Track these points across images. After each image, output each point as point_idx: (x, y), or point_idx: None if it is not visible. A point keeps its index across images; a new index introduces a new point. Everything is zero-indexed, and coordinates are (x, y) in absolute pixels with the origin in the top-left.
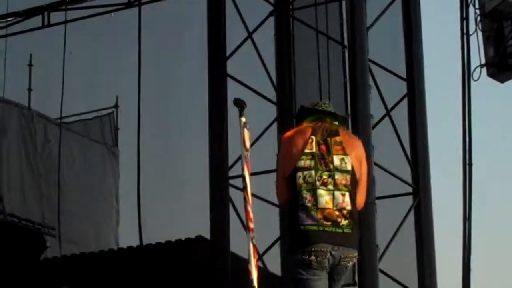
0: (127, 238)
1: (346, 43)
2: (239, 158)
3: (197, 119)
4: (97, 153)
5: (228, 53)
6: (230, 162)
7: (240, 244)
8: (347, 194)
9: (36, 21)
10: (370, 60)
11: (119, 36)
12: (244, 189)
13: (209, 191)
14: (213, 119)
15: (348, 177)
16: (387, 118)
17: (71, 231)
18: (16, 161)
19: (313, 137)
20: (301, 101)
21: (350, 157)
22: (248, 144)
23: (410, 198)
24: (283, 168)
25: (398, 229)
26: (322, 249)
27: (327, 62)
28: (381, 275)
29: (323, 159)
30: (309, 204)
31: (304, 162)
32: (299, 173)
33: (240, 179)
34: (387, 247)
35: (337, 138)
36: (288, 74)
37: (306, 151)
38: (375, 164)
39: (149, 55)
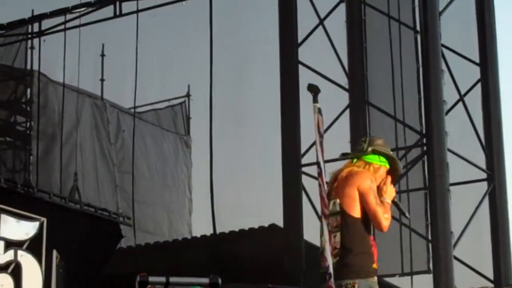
0: (201, 226)
1: (418, 28)
2: (312, 146)
3: (269, 107)
4: (169, 142)
5: (299, 40)
6: (303, 150)
7: (314, 232)
8: (338, 234)
9: (108, 11)
10: (443, 45)
11: (191, 25)
12: (319, 175)
13: (282, 179)
14: (286, 107)
15: (339, 218)
16: (460, 103)
17: (145, 220)
18: (90, 151)
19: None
20: (373, 87)
21: (340, 199)
22: (322, 130)
23: (484, 184)
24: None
25: (472, 216)
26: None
27: (399, 48)
28: (455, 262)
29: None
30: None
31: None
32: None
33: (313, 167)
34: (461, 234)
35: (336, 183)
36: (360, 61)
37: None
38: (449, 150)
39: (220, 43)
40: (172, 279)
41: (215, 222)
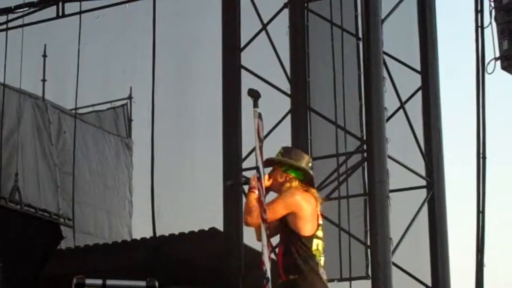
0: (141, 229)
1: (360, 35)
2: (252, 150)
3: (211, 111)
4: (111, 144)
5: (242, 44)
6: (244, 154)
7: (253, 236)
8: None
9: (51, 11)
10: (385, 53)
11: (134, 27)
12: (258, 180)
13: (222, 183)
14: (227, 111)
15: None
16: (401, 110)
17: (85, 222)
18: (31, 151)
19: (318, 209)
20: (315, 93)
21: None
22: (262, 134)
23: (424, 192)
24: (300, 226)
25: (411, 222)
26: None
27: (341, 55)
28: (394, 268)
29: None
30: (321, 267)
31: (319, 232)
32: (316, 240)
33: (253, 171)
34: (400, 240)
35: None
36: (302, 66)
37: (320, 222)
38: (389, 157)
39: (163, 46)
40: (109, 282)
41: (155, 225)
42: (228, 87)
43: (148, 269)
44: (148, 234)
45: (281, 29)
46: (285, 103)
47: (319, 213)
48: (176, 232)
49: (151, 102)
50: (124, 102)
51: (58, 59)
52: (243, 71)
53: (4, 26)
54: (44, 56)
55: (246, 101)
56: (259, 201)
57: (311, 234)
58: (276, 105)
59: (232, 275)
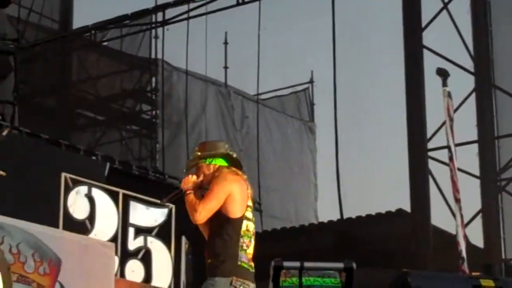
0: (327, 212)
1: None
2: (438, 130)
3: (394, 91)
4: (293, 128)
5: (423, 24)
6: (429, 134)
7: (441, 217)
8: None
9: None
10: None
11: (313, 10)
12: (450, 159)
13: (408, 164)
14: (411, 91)
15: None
16: None
17: (271, 206)
18: (216, 137)
19: (248, 192)
20: (500, 70)
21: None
22: (452, 113)
23: None
24: (230, 209)
25: None
26: (249, 284)
27: None
28: None
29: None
30: (246, 248)
31: (248, 213)
32: (246, 222)
33: (438, 151)
34: None
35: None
36: (485, 44)
37: (249, 203)
38: None
39: (343, 30)
40: (307, 264)
41: (342, 207)
42: (410, 67)
43: (336, 251)
44: (334, 217)
45: (462, 7)
46: (469, 82)
47: (249, 195)
48: (363, 214)
49: (333, 85)
50: (305, 86)
51: (239, 45)
52: (425, 51)
53: (185, 16)
54: (225, 43)
55: (429, 81)
56: (452, 180)
57: (240, 216)
58: (460, 84)
59: (420, 256)
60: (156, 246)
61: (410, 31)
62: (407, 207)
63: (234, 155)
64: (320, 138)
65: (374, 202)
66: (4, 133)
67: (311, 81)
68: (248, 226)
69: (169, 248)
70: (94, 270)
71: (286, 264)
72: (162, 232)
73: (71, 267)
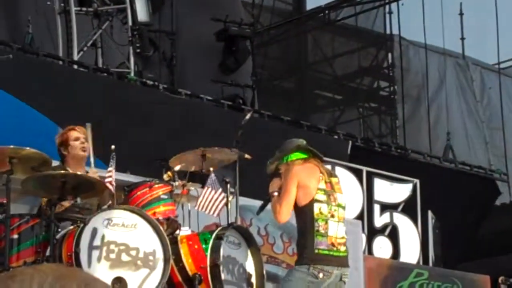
0: None
1: None
2: None
3: None
4: None
5: None
6: None
7: None
8: (344, 226)
9: None
10: None
11: None
12: None
13: None
14: None
15: (344, 212)
16: None
17: None
18: (457, 110)
19: (322, 176)
20: None
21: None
22: None
23: None
24: (299, 197)
25: None
26: (329, 270)
27: None
28: None
29: (332, 195)
30: (323, 231)
31: (320, 195)
32: (317, 204)
33: None
34: None
35: (336, 179)
36: None
37: (320, 186)
38: None
39: None
40: None
41: None
42: None
43: None
44: None
45: None
46: None
47: (321, 178)
48: None
49: None
50: None
51: (475, 15)
52: None
53: None
54: (461, 14)
55: None
56: None
57: (308, 201)
58: None
59: None
60: (403, 222)
61: None
62: None
63: (309, 147)
64: None
65: None
66: (248, 116)
67: None
68: (321, 209)
69: (415, 223)
70: None
71: None
72: (407, 208)
73: None
